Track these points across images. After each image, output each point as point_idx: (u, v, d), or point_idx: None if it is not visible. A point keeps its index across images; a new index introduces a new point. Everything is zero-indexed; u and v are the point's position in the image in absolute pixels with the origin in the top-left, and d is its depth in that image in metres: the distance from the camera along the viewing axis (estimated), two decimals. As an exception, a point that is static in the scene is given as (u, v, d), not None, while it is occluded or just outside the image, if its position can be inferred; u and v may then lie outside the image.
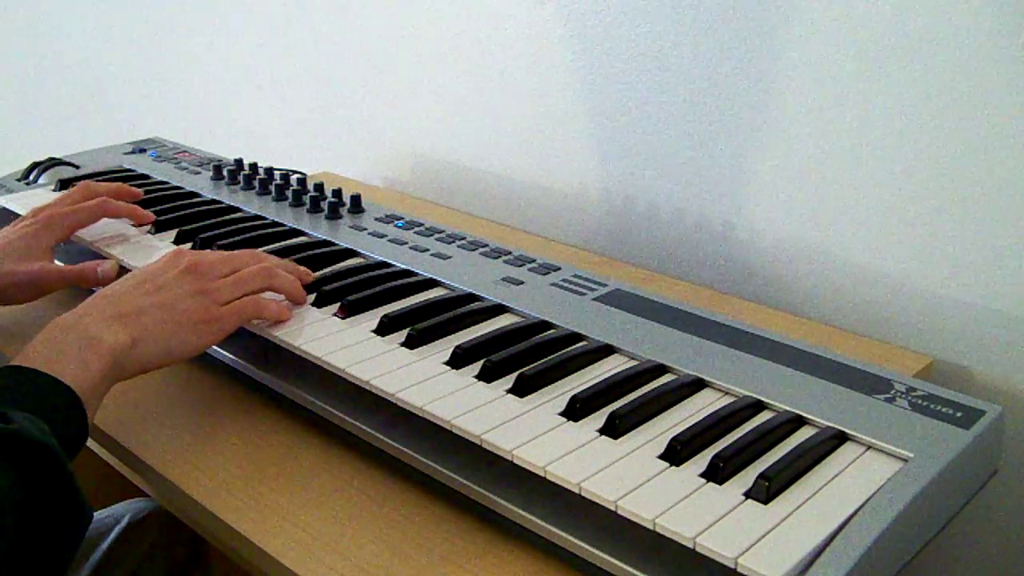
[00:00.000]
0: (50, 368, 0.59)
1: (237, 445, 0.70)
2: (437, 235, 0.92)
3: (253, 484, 0.65)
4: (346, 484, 0.65)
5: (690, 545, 0.50)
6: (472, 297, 0.78)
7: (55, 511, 0.53)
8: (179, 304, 0.69)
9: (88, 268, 0.84)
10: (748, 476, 0.55)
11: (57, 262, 0.86)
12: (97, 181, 1.01)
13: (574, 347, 0.70)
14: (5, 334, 0.86)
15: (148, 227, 0.94)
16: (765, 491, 0.53)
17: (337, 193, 0.99)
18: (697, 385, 0.66)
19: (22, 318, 0.88)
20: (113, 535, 0.85)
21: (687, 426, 0.60)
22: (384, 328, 0.72)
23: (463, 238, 0.91)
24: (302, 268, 0.79)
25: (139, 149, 1.24)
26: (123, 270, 0.87)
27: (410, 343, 0.70)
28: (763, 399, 0.63)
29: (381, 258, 0.86)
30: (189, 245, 0.90)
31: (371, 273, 0.82)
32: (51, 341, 0.62)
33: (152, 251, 0.88)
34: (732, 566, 0.49)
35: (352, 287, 0.79)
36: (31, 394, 0.58)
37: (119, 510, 0.88)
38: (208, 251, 0.77)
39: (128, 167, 1.16)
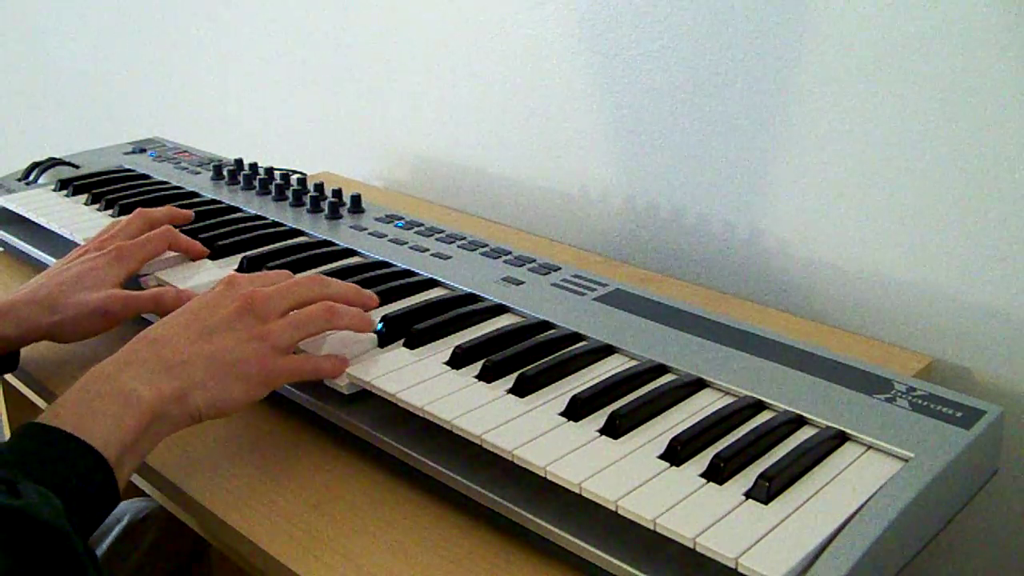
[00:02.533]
0: (78, 426, 0.54)
1: (236, 445, 0.70)
2: (437, 235, 0.92)
3: (253, 484, 0.65)
4: (346, 484, 0.65)
5: (690, 545, 0.50)
6: (472, 297, 0.78)
7: None
8: (231, 354, 0.62)
9: (167, 293, 0.77)
10: (748, 476, 0.55)
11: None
12: (152, 207, 0.93)
13: (574, 347, 0.70)
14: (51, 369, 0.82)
15: None
16: (765, 491, 0.53)
17: (337, 193, 0.99)
18: (697, 385, 0.66)
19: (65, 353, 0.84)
20: (113, 534, 0.85)
21: (687, 426, 0.60)
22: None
23: (463, 238, 0.91)
24: (366, 292, 0.73)
25: (139, 149, 1.24)
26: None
27: (410, 343, 0.70)
28: (763, 399, 0.63)
29: (381, 258, 0.86)
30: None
31: (371, 273, 0.82)
32: (84, 394, 0.57)
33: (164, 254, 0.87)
34: (732, 566, 0.49)
35: (352, 287, 0.79)
36: (51, 458, 0.53)
37: (120, 509, 0.88)
38: (263, 277, 0.70)
39: (128, 167, 1.16)
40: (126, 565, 0.84)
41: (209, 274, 0.83)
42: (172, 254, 0.85)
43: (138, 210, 0.87)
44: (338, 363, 0.67)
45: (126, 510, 0.87)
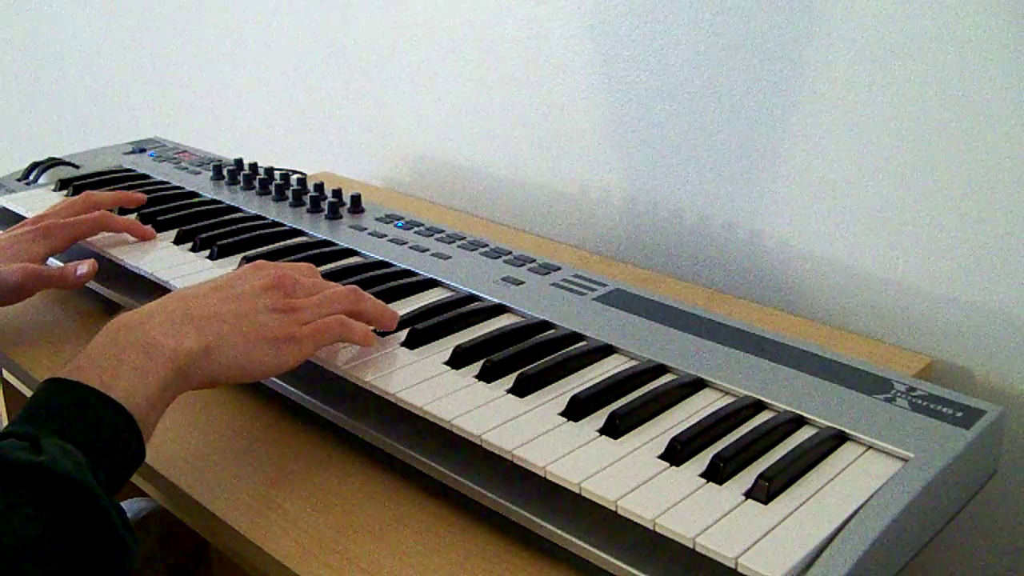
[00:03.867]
0: (101, 380, 0.54)
1: (237, 445, 0.70)
2: (437, 235, 0.92)
3: (253, 484, 0.65)
4: (346, 484, 0.65)
5: (690, 545, 0.50)
6: (472, 297, 0.78)
7: (91, 552, 0.49)
8: (258, 317, 0.62)
9: (68, 269, 0.82)
10: (748, 476, 0.55)
11: (55, 261, 0.86)
12: (101, 189, 1.00)
13: (574, 347, 0.70)
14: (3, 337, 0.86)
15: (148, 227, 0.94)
16: (765, 491, 0.53)
17: (337, 193, 0.99)
18: (697, 385, 0.66)
19: (19, 319, 0.88)
20: None
21: (687, 426, 0.60)
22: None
23: (463, 238, 0.91)
24: (389, 310, 0.72)
25: (139, 149, 1.24)
26: (124, 273, 0.87)
27: (410, 343, 0.70)
28: (763, 399, 0.63)
29: (381, 258, 0.86)
30: (189, 245, 0.90)
31: (371, 273, 0.82)
32: (106, 346, 0.56)
33: (153, 251, 0.88)
34: (732, 566, 0.49)
35: (352, 287, 0.79)
36: (74, 414, 0.53)
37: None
38: (292, 264, 0.71)
39: (128, 167, 1.16)
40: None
41: (210, 273, 0.83)
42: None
43: (85, 192, 0.91)
44: (368, 331, 0.68)
45: (126, 510, 0.87)
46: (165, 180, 1.10)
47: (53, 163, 1.16)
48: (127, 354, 0.56)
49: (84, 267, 0.83)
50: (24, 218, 1.01)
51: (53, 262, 0.88)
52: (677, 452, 0.57)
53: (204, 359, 0.59)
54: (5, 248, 0.81)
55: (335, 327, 0.65)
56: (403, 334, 0.71)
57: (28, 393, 0.83)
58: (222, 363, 0.60)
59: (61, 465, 0.48)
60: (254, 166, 1.08)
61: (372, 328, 0.69)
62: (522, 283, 0.80)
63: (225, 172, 1.08)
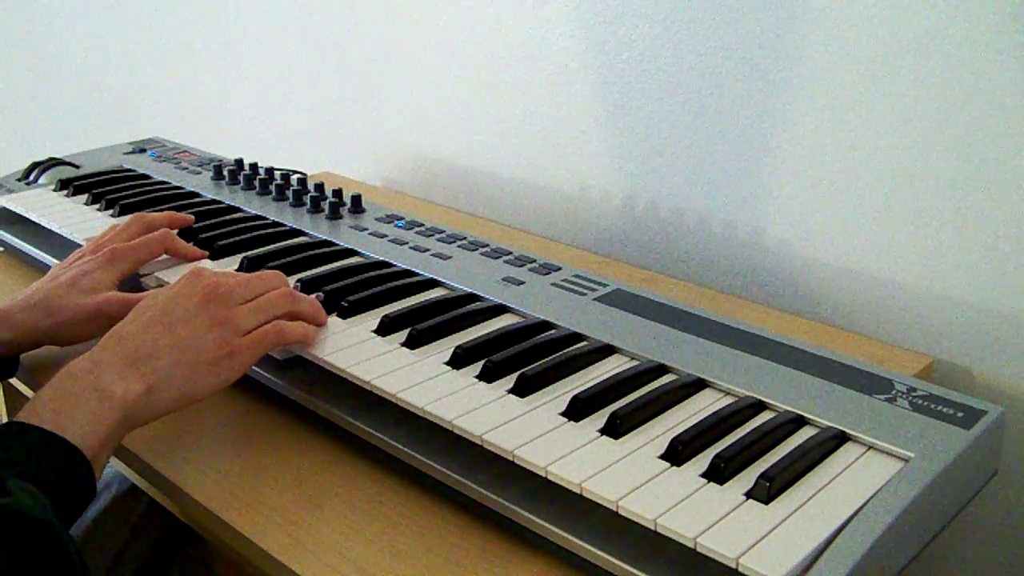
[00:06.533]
0: (58, 424, 0.56)
1: (237, 444, 0.70)
2: (437, 235, 0.92)
3: (253, 483, 0.65)
4: (346, 483, 0.65)
5: (691, 545, 0.50)
6: (473, 297, 0.78)
7: None
8: (196, 341, 0.64)
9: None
10: (749, 476, 0.55)
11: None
12: (149, 210, 0.96)
13: (575, 347, 0.70)
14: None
15: None
16: (766, 491, 0.53)
17: (337, 193, 0.99)
18: (698, 385, 0.66)
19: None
20: (98, 507, 0.84)
21: (688, 426, 0.60)
22: (385, 328, 0.72)
23: (463, 238, 0.91)
24: (321, 310, 0.74)
25: (139, 149, 1.24)
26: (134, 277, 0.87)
27: (410, 343, 0.70)
28: (764, 399, 0.63)
29: (381, 258, 0.86)
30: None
31: (371, 273, 0.82)
32: (60, 392, 0.59)
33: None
34: (733, 566, 0.49)
35: (352, 287, 0.79)
36: (34, 456, 0.55)
37: (105, 481, 0.86)
38: (227, 273, 0.72)
39: (128, 167, 1.16)
40: (114, 540, 0.83)
41: (209, 274, 0.83)
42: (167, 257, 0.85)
43: (136, 214, 0.88)
44: (307, 328, 0.70)
45: (111, 482, 0.86)
46: (165, 180, 1.10)
47: (53, 163, 1.16)
48: (79, 400, 0.59)
49: None
50: (24, 218, 1.01)
51: None
52: (678, 452, 0.57)
53: (149, 399, 0.61)
54: (78, 281, 0.78)
55: (272, 334, 0.68)
56: (403, 334, 0.71)
57: (30, 394, 0.83)
58: (166, 399, 0.63)
59: (28, 507, 0.50)
60: (254, 166, 1.08)
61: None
62: (522, 283, 0.81)
63: (225, 172, 1.08)
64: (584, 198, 1.09)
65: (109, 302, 0.77)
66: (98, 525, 0.83)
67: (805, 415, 0.61)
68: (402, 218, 0.96)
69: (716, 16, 0.91)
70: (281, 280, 0.73)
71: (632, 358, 0.70)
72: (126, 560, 0.84)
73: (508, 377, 0.66)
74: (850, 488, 0.55)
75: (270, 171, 1.08)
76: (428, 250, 0.88)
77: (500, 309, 0.77)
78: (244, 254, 0.87)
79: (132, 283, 0.83)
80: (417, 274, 0.83)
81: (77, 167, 1.16)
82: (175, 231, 0.87)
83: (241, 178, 1.07)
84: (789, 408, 0.62)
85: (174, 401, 0.63)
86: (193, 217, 0.94)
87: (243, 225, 0.94)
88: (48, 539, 0.50)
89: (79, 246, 0.89)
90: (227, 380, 0.66)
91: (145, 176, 1.12)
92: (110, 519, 0.84)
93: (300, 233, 0.93)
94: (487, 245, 0.89)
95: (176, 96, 1.76)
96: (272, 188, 1.03)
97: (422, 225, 0.94)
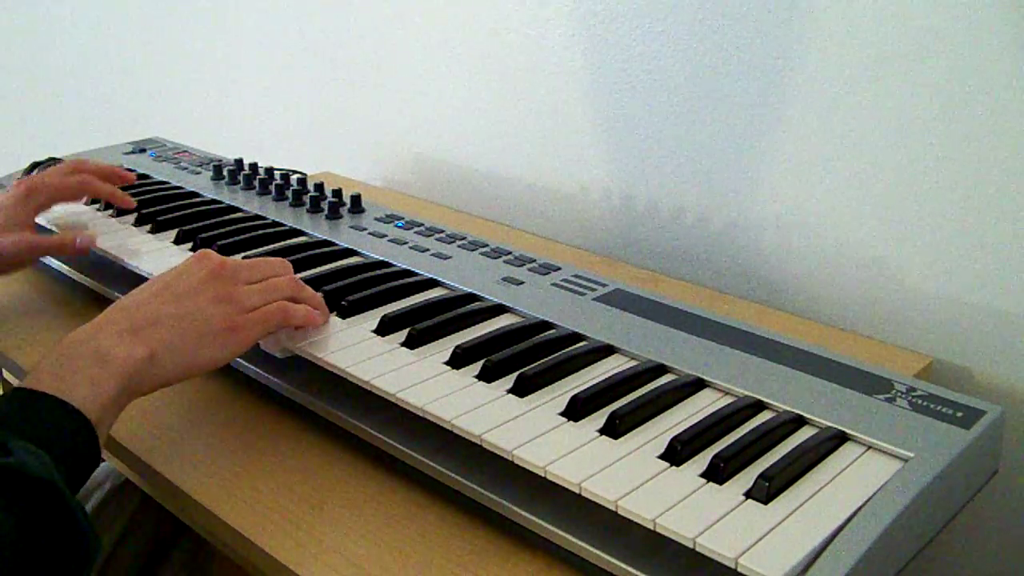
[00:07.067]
0: (59, 389, 0.57)
1: (237, 444, 0.69)
2: (437, 235, 0.92)
3: (252, 484, 0.65)
4: (345, 483, 0.65)
5: (690, 545, 0.50)
6: (472, 297, 0.78)
7: (58, 548, 0.50)
8: (200, 313, 0.65)
9: (67, 238, 0.83)
10: (748, 476, 0.55)
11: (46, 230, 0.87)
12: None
13: (574, 347, 0.70)
14: None
15: (148, 227, 0.94)
16: (765, 491, 0.53)
17: (337, 193, 0.99)
18: (697, 385, 0.66)
19: (19, 319, 0.88)
20: (94, 500, 0.84)
21: (687, 426, 0.59)
22: (384, 328, 0.72)
23: (463, 238, 0.91)
24: (325, 304, 0.75)
25: (139, 149, 1.24)
26: (124, 272, 0.87)
27: (410, 343, 0.70)
28: (763, 399, 0.63)
29: (381, 258, 0.86)
30: (189, 245, 0.90)
31: (371, 273, 0.82)
32: (62, 359, 0.59)
33: (153, 251, 0.88)
34: (732, 566, 0.49)
35: (352, 287, 0.79)
36: (37, 420, 0.55)
37: (100, 474, 0.86)
38: (234, 258, 0.73)
39: (128, 167, 1.16)
40: (110, 532, 0.83)
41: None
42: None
43: (77, 158, 0.95)
44: (312, 312, 0.70)
45: (107, 474, 0.86)
46: (165, 180, 1.10)
47: (53, 163, 1.16)
48: (82, 365, 0.59)
49: (84, 235, 0.84)
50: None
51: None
52: (677, 452, 0.57)
53: (151, 365, 0.61)
54: None
55: (276, 313, 0.68)
56: (403, 334, 0.71)
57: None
58: (168, 367, 0.62)
59: (30, 466, 0.50)
60: (254, 166, 1.08)
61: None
62: (522, 283, 0.80)
63: (225, 172, 1.08)
64: (584, 198, 1.09)
65: (23, 242, 0.81)
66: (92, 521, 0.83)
67: (804, 415, 0.61)
68: (402, 218, 0.96)
69: (716, 16, 0.91)
70: (287, 268, 0.74)
71: (631, 358, 0.69)
72: (120, 556, 0.84)
73: (507, 377, 0.66)
74: (849, 488, 0.55)
75: (270, 171, 1.08)
76: (428, 250, 0.88)
77: (500, 309, 0.77)
78: (244, 254, 0.87)
79: (105, 266, 0.86)
80: (417, 274, 0.83)
81: (77, 167, 1.16)
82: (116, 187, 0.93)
83: (241, 178, 1.07)
84: (788, 408, 0.62)
85: (176, 369, 0.63)
86: (135, 175, 0.99)
87: (243, 225, 0.94)
88: (52, 498, 0.50)
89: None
90: (231, 354, 0.66)
91: (145, 176, 1.12)
92: (104, 515, 0.84)
93: (300, 233, 0.93)
94: (487, 245, 0.89)
95: (176, 96, 1.76)
96: (272, 188, 1.03)
97: (422, 225, 0.94)
